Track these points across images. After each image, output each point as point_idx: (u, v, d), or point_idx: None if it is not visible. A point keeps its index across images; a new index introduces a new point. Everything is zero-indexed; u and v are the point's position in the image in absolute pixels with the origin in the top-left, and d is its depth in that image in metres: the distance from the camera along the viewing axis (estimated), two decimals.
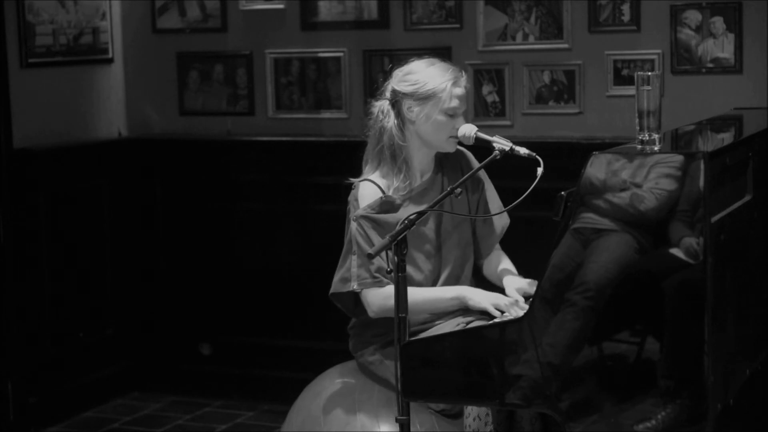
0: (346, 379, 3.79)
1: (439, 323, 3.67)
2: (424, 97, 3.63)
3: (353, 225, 3.62)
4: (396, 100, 3.69)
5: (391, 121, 3.69)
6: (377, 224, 3.60)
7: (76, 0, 5.66)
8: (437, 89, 3.62)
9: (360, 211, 3.62)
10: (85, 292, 5.68)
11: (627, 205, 3.03)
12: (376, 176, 3.69)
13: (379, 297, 3.57)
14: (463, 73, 3.70)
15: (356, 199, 3.66)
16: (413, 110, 3.65)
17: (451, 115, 3.63)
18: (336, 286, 3.67)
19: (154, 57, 5.91)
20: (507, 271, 3.78)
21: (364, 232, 3.59)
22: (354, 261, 3.59)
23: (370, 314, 3.62)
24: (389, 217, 3.60)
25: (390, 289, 3.45)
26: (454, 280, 3.74)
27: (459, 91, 3.64)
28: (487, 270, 3.85)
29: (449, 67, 3.69)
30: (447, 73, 3.65)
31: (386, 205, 3.63)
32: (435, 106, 3.63)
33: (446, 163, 3.79)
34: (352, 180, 3.73)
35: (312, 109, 5.65)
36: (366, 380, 3.75)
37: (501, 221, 3.84)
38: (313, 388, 3.85)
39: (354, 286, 3.60)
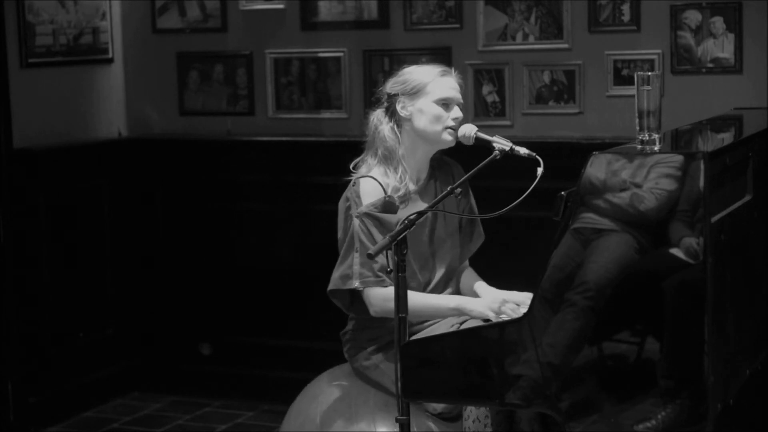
0: (344, 382, 3.78)
1: (434, 324, 3.67)
2: (414, 92, 3.67)
3: (356, 222, 3.60)
4: (390, 104, 3.71)
5: (385, 126, 3.71)
6: (380, 223, 3.59)
7: (76, 0, 5.66)
8: (425, 81, 3.67)
9: (363, 209, 3.61)
10: (85, 292, 5.68)
11: (627, 205, 3.02)
12: (375, 174, 3.69)
13: (381, 297, 3.55)
14: (454, 70, 3.74)
15: (358, 196, 3.64)
16: (407, 108, 3.68)
17: (445, 104, 3.65)
18: (336, 283, 3.64)
19: (154, 57, 5.91)
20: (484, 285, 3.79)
21: (367, 229, 3.58)
22: (356, 258, 3.57)
23: (371, 313, 3.61)
24: (391, 217, 3.59)
25: (392, 290, 3.45)
26: (442, 286, 3.75)
27: (448, 80, 3.68)
28: (463, 285, 3.84)
29: (438, 65, 3.74)
30: (435, 69, 3.71)
31: (388, 205, 3.62)
32: (426, 97, 3.66)
33: (439, 172, 3.80)
34: (352, 176, 3.72)
35: (312, 109, 5.65)
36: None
37: (479, 237, 3.86)
38: (310, 390, 3.83)
39: (356, 284, 3.57)
